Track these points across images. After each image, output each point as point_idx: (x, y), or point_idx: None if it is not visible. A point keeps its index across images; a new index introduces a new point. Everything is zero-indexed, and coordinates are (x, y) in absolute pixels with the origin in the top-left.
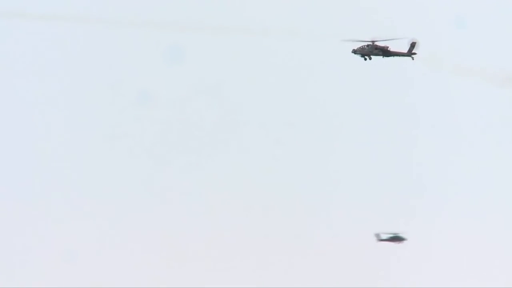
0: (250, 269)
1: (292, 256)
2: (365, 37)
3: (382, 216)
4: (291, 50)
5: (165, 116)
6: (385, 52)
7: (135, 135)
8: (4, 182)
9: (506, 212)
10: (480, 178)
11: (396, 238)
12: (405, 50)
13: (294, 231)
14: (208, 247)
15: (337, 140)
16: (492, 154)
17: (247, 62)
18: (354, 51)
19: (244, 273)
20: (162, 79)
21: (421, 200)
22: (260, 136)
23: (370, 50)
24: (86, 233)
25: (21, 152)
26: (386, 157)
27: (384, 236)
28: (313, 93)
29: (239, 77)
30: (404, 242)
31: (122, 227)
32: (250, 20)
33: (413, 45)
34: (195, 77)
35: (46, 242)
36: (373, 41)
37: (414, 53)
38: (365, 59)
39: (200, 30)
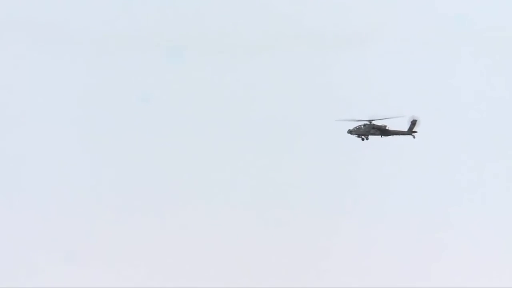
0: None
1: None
2: (361, 116)
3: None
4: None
5: (165, 116)
6: (383, 131)
7: (134, 135)
8: (5, 183)
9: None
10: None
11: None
12: (405, 129)
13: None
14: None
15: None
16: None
17: None
18: (350, 131)
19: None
20: (162, 79)
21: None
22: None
23: (367, 130)
24: (86, 233)
25: (21, 152)
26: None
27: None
28: (306, 171)
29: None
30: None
31: (122, 228)
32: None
33: (413, 123)
34: (194, 77)
35: (46, 242)
36: (370, 120)
37: (415, 132)
38: (362, 139)
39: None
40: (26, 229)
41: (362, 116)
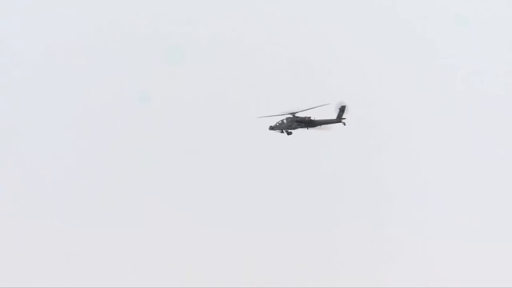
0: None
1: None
2: (282, 110)
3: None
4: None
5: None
6: (308, 123)
7: (134, 135)
8: (4, 182)
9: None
10: None
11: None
12: (333, 117)
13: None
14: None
15: None
16: None
17: None
18: (272, 127)
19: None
20: (162, 79)
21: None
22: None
23: (289, 124)
24: (85, 234)
25: (19, 152)
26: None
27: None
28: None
29: None
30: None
31: (121, 229)
32: None
33: (342, 109)
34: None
35: (45, 242)
36: (293, 113)
37: (344, 118)
38: (288, 133)
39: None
40: (24, 230)
41: (284, 109)
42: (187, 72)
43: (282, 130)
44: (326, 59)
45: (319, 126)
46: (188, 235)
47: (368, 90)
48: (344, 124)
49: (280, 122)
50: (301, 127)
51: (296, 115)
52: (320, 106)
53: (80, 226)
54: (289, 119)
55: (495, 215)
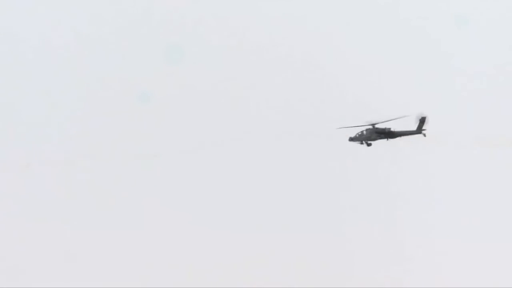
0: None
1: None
2: (363, 121)
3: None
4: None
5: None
6: (388, 134)
7: (134, 135)
8: (4, 181)
9: None
10: None
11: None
12: (413, 128)
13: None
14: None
15: None
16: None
17: None
18: (352, 139)
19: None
20: (162, 79)
21: None
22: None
23: (369, 135)
24: (85, 235)
25: (20, 153)
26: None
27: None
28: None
29: None
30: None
31: (120, 229)
32: None
33: (422, 120)
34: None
35: (45, 242)
36: (372, 124)
37: (424, 129)
38: (368, 144)
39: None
40: (23, 229)
41: (364, 121)
42: (187, 72)
43: (362, 141)
44: (325, 59)
45: (399, 138)
46: (207, 237)
47: (368, 90)
48: (424, 136)
49: (360, 133)
50: (381, 138)
51: (376, 126)
52: (401, 117)
53: (80, 226)
54: (369, 130)
55: (501, 216)
